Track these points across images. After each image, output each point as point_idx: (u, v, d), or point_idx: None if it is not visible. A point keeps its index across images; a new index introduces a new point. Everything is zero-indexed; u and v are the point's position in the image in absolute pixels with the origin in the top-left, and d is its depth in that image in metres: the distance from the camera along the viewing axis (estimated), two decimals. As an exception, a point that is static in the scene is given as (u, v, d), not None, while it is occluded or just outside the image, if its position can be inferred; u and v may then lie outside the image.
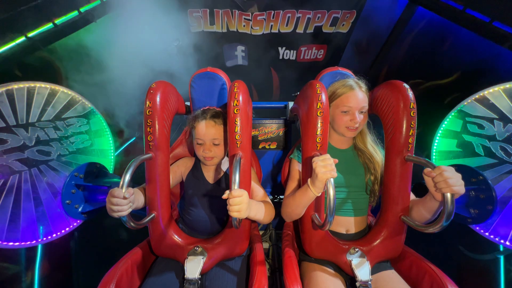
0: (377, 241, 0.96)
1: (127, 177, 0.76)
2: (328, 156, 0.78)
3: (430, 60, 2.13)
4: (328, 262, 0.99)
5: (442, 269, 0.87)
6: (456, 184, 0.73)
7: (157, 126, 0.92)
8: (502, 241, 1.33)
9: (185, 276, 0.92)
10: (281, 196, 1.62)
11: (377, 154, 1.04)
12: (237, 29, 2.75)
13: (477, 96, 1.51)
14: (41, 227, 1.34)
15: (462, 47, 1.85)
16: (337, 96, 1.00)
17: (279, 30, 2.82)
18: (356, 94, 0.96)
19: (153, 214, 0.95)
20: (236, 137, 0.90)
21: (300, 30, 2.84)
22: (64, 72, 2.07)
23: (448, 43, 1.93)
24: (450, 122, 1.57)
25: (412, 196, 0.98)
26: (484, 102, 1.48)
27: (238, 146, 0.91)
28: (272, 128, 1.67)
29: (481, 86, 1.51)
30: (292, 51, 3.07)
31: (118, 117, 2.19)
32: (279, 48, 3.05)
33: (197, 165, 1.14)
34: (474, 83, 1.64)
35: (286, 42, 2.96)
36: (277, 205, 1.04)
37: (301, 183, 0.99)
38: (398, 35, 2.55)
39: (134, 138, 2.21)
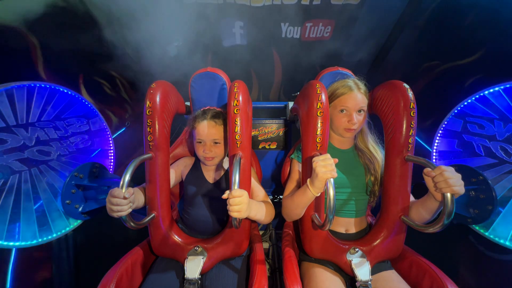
0: (377, 241, 0.97)
1: (127, 177, 0.76)
2: (328, 156, 0.78)
3: (449, 38, 1.88)
4: (328, 262, 0.99)
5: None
6: (456, 184, 0.73)
7: (157, 126, 0.92)
8: (501, 241, 1.33)
9: (185, 276, 0.92)
10: (281, 196, 1.62)
11: (378, 154, 1.04)
12: (234, 0, 2.38)
13: (477, 96, 1.51)
14: (41, 227, 1.34)
15: (487, 21, 1.58)
16: (336, 97, 1.00)
17: (281, 1, 2.44)
18: (354, 95, 0.97)
19: (153, 214, 0.95)
20: (236, 137, 0.90)
21: (305, 1, 2.43)
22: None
23: (471, 16, 1.65)
24: (450, 122, 1.58)
25: (411, 198, 0.98)
26: (484, 102, 1.48)
27: (238, 146, 0.91)
28: (272, 128, 1.67)
29: (506, 65, 1.38)
30: (296, 27, 2.67)
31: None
32: (282, 25, 2.64)
33: (197, 165, 1.14)
34: (499, 62, 1.49)
35: (289, 16, 2.57)
36: (277, 205, 1.04)
37: (301, 183, 0.99)
38: (415, 8, 2.18)
39: (124, 129, 2.10)
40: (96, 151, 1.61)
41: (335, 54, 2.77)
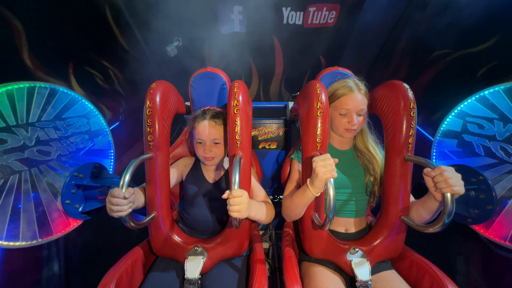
0: (377, 241, 0.97)
1: (127, 177, 0.76)
2: (328, 156, 0.78)
3: (462, 24, 1.73)
4: (328, 262, 0.99)
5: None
6: (456, 184, 0.73)
7: (157, 126, 0.92)
8: (502, 241, 1.33)
9: (185, 276, 0.92)
10: (281, 196, 1.62)
11: (377, 154, 1.04)
12: None
13: (477, 96, 1.51)
14: (41, 227, 1.34)
15: (504, 4, 1.46)
16: (336, 97, 1.00)
17: None
18: (355, 96, 0.96)
19: (153, 214, 0.95)
20: (236, 137, 0.90)
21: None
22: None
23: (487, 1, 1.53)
24: (450, 122, 1.58)
25: (411, 198, 0.98)
26: (484, 102, 1.48)
27: (238, 146, 0.91)
28: (272, 128, 1.67)
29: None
30: (298, 13, 2.46)
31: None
32: (283, 9, 2.43)
33: (197, 165, 1.14)
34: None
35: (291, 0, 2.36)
36: (277, 205, 1.04)
37: (301, 183, 0.99)
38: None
39: (117, 123, 1.95)
40: (86, 148, 1.60)
41: (339, 42, 2.63)
